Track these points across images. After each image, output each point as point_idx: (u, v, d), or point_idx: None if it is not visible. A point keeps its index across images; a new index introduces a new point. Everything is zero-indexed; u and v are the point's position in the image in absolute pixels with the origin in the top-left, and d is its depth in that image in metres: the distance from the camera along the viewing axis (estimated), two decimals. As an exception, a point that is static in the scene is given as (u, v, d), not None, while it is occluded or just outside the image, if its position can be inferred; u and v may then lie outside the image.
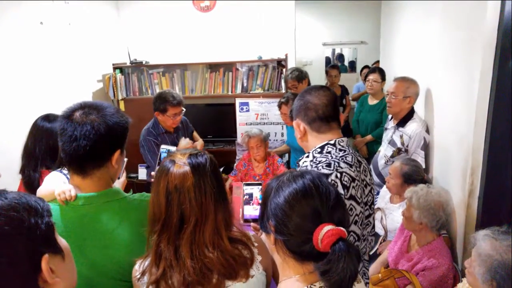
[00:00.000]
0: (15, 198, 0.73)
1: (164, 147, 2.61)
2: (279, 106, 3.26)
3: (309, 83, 3.69)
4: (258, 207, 1.56)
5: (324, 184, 0.97)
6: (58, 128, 1.24)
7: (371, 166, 2.98)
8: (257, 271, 1.14)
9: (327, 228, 0.88)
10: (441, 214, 2.00)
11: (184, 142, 2.90)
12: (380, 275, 2.20)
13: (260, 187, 1.64)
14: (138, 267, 1.12)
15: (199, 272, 1.05)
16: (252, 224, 1.56)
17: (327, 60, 7.42)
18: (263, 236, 1.07)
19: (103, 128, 1.19)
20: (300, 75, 3.43)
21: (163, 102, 2.87)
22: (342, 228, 0.89)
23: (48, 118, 1.88)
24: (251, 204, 1.58)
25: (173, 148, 2.58)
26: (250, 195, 1.60)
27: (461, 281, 1.79)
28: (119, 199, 1.28)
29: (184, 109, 3.00)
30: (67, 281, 0.79)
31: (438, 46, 2.63)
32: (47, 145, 1.81)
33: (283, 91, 4.05)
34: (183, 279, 1.05)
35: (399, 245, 2.25)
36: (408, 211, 2.09)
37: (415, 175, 2.40)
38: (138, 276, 1.11)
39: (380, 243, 2.61)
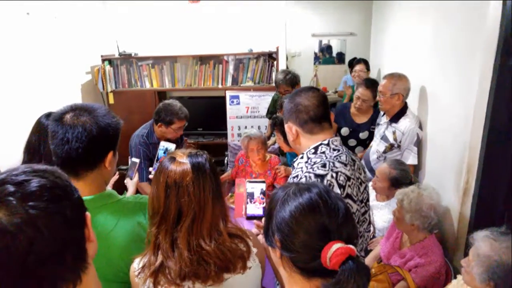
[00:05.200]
0: (56, 169, 0.77)
1: (163, 144, 2.54)
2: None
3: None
4: (260, 205, 1.56)
5: (333, 199, 0.94)
6: (49, 130, 1.21)
7: (362, 161, 2.99)
8: (254, 263, 1.18)
9: (336, 246, 0.85)
10: (432, 216, 2.01)
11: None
12: (373, 270, 2.23)
13: (263, 185, 1.63)
14: (137, 264, 1.14)
15: (196, 263, 1.08)
16: (255, 221, 1.56)
17: (315, 52, 7.41)
18: (261, 238, 1.07)
19: (95, 130, 1.18)
20: (294, 80, 3.34)
21: (170, 114, 2.70)
22: (351, 246, 0.86)
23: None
24: (252, 203, 1.58)
25: (171, 146, 2.52)
26: (252, 195, 1.60)
27: (456, 277, 1.83)
28: (114, 202, 1.27)
29: (187, 123, 2.85)
30: (95, 245, 0.82)
31: (434, 41, 2.63)
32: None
33: (274, 84, 4.03)
34: (179, 270, 1.07)
35: (391, 242, 2.27)
36: (399, 213, 2.10)
37: (403, 179, 2.39)
38: (138, 272, 1.12)
39: (370, 239, 2.63)
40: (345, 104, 3.42)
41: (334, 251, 0.84)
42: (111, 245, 1.20)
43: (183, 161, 1.13)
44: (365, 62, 4.31)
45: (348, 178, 1.37)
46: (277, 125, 2.73)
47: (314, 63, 7.30)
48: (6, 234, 0.63)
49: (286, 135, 2.62)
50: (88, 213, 0.80)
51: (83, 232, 0.77)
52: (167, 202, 1.10)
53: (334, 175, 1.33)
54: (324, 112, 1.46)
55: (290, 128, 1.50)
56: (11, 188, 0.66)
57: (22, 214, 0.64)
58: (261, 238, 1.38)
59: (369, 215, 1.59)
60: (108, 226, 1.21)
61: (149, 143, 2.79)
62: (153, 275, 1.08)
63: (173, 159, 1.14)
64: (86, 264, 0.77)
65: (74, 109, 1.21)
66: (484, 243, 1.44)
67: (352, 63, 5.87)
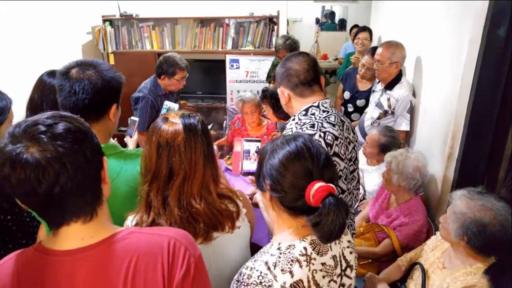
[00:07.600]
0: (78, 117, 0.89)
1: (167, 104, 2.65)
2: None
3: None
4: (255, 162, 1.66)
5: (315, 146, 1.06)
6: (56, 85, 1.29)
7: (357, 128, 3.08)
8: (243, 223, 1.24)
9: (318, 185, 0.98)
10: (418, 177, 2.14)
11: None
12: (361, 228, 2.37)
13: (258, 143, 1.73)
14: (129, 222, 1.18)
15: (186, 221, 1.13)
16: (250, 177, 1.67)
17: (317, 18, 7.31)
18: (258, 194, 1.16)
19: (100, 83, 1.27)
20: (294, 45, 3.37)
21: (171, 65, 2.86)
22: (331, 185, 0.99)
23: (53, 74, 1.88)
24: (248, 159, 1.68)
25: (175, 105, 2.63)
26: (248, 152, 1.70)
27: (435, 234, 1.97)
28: (118, 153, 1.37)
29: (188, 74, 2.99)
30: (109, 187, 0.92)
31: (431, 9, 2.66)
32: (54, 101, 1.82)
33: (274, 49, 4.03)
34: (169, 227, 1.11)
35: (380, 203, 2.41)
36: (388, 174, 2.22)
37: (392, 145, 2.49)
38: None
39: (360, 201, 2.77)
40: (355, 69, 3.52)
41: (316, 189, 0.97)
42: (115, 191, 1.23)
43: (175, 121, 1.16)
44: (369, 31, 4.30)
45: (336, 138, 1.45)
46: (266, 98, 2.78)
47: (320, 28, 7.20)
48: (38, 167, 0.74)
49: (275, 107, 2.69)
50: (105, 158, 0.89)
51: (100, 173, 0.87)
52: (159, 161, 1.13)
53: (322, 134, 1.42)
54: (314, 76, 1.54)
55: (282, 92, 1.58)
56: (42, 128, 0.77)
57: (52, 151, 0.76)
58: (258, 196, 1.46)
59: (358, 174, 1.69)
60: (112, 174, 1.26)
61: (158, 95, 2.95)
62: None
63: (165, 119, 1.17)
64: (102, 200, 0.88)
65: (80, 64, 1.30)
66: (460, 201, 1.55)
67: (352, 29, 5.84)
